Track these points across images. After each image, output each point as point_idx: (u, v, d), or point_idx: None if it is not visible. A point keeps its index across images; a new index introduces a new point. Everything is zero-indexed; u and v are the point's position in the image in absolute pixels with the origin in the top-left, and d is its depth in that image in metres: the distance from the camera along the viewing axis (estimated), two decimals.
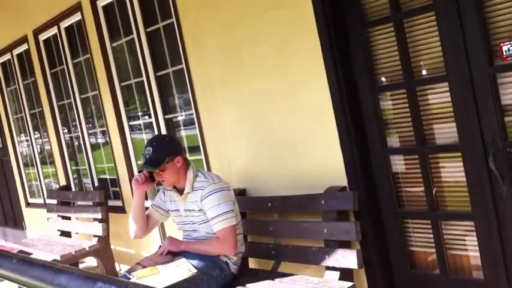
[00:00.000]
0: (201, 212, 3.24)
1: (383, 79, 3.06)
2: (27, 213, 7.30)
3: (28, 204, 7.25)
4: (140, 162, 4.79)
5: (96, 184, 5.66)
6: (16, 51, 6.58)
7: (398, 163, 3.05)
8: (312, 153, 3.28)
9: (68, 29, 5.52)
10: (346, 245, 2.99)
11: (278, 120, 3.46)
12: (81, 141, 5.73)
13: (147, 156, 3.20)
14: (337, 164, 3.11)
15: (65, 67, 5.64)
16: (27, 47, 6.24)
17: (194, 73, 4.00)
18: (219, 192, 3.19)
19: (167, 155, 3.18)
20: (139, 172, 3.36)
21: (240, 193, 3.69)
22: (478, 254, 2.73)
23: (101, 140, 5.56)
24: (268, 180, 3.60)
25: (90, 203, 5.29)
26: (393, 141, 3.06)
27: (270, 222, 3.47)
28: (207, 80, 3.91)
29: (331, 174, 3.17)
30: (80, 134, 5.73)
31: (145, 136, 4.84)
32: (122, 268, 5.42)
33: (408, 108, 2.90)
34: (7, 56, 6.83)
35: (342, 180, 3.10)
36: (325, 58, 3.07)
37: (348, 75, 3.07)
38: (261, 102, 3.55)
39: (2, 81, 7.14)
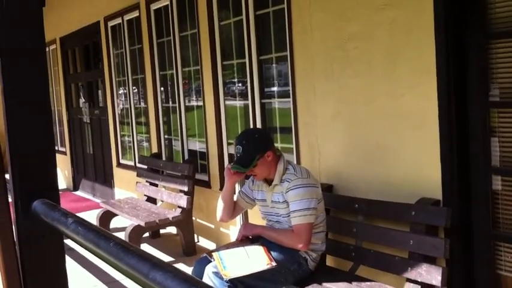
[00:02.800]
0: (286, 204, 3.25)
1: (497, 95, 2.90)
2: (117, 172, 7.64)
3: (119, 164, 7.57)
4: (231, 141, 4.86)
5: (186, 155, 5.81)
6: (127, 17, 6.82)
7: (499, 183, 2.90)
8: (408, 160, 3.18)
9: (180, 2, 5.64)
10: (431, 260, 2.89)
11: (377, 121, 3.38)
12: (177, 112, 5.89)
13: (238, 155, 3.25)
14: (433, 175, 3.00)
15: (172, 38, 5.79)
16: (138, 14, 6.44)
17: (297, 62, 3.97)
18: (305, 188, 3.18)
19: (257, 153, 3.20)
20: (232, 168, 3.36)
21: (327, 189, 3.66)
22: None
23: (196, 114, 5.68)
24: (358, 180, 3.53)
25: (179, 174, 5.44)
26: (497, 160, 2.90)
27: (354, 224, 3.41)
28: (309, 70, 3.87)
29: (425, 185, 3.06)
30: (177, 105, 5.88)
31: (240, 114, 4.89)
32: (200, 240, 5.57)
33: None
34: (117, 21, 7.09)
35: (436, 194, 2.99)
36: (438, 64, 2.95)
37: (460, 86, 2.93)
38: (362, 101, 3.48)
39: (110, 44, 7.43)
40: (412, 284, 2.93)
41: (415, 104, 3.12)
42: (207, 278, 3.03)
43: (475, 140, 2.93)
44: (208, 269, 3.08)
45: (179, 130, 5.90)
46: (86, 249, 1.95)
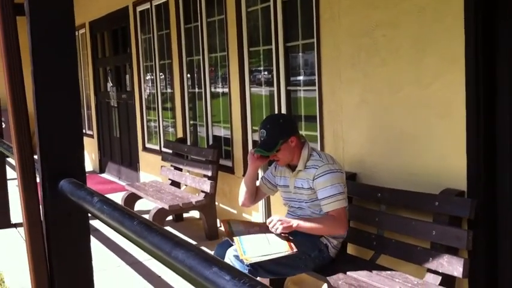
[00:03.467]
0: (310, 191, 3.25)
1: None
2: (143, 156, 7.72)
3: (145, 148, 7.65)
4: (256, 128, 4.86)
5: (211, 140, 5.84)
6: (155, 2, 6.85)
7: None
8: (433, 150, 3.15)
9: None
10: (453, 251, 2.87)
11: (402, 110, 3.35)
12: (203, 98, 5.91)
13: (262, 139, 3.26)
14: (459, 166, 2.96)
15: (199, 24, 5.80)
16: None
17: (324, 49, 3.95)
18: (334, 173, 3.18)
19: (280, 137, 3.20)
20: (255, 153, 3.37)
21: (350, 177, 3.64)
22: None
23: (221, 100, 5.69)
24: (381, 169, 3.51)
25: (203, 159, 5.47)
26: None
27: (376, 213, 3.40)
28: (335, 57, 3.84)
29: (449, 176, 3.02)
30: (202, 90, 5.91)
31: (265, 100, 4.89)
32: (222, 225, 5.60)
33: None
34: (146, 6, 7.13)
35: (461, 185, 2.95)
36: (467, 53, 2.90)
37: (489, 75, 2.88)
38: (388, 90, 3.44)
39: (138, 29, 7.48)
40: (432, 275, 2.91)
41: (442, 93, 3.08)
42: (228, 261, 3.05)
43: (503, 131, 2.88)
44: (230, 253, 3.10)
45: (204, 116, 5.93)
46: (110, 227, 1.98)
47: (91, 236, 2.50)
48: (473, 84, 2.88)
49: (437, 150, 3.13)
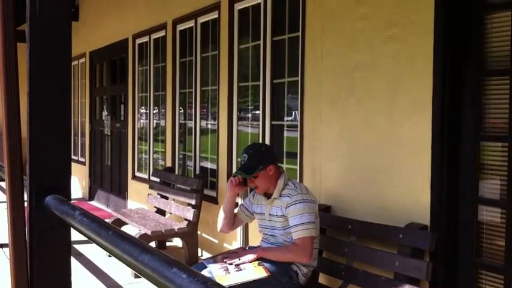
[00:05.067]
0: (283, 218, 3.40)
1: (488, 129, 3.04)
2: (131, 185, 7.86)
3: (134, 177, 7.80)
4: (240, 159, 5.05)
5: (198, 171, 6.01)
6: (154, 36, 7.13)
7: (485, 213, 3.02)
8: (401, 187, 3.33)
9: (204, 25, 5.92)
10: (415, 282, 3.01)
11: (376, 148, 3.54)
12: (193, 129, 6.12)
13: (243, 163, 3.44)
14: (424, 202, 3.14)
15: (194, 59, 6.05)
16: (164, 34, 6.74)
17: (307, 87, 4.17)
18: (306, 203, 3.34)
19: (261, 163, 3.39)
20: (234, 176, 3.58)
21: (325, 209, 3.81)
22: None
23: (210, 132, 5.90)
24: (354, 203, 3.68)
25: (188, 188, 5.63)
26: (484, 191, 3.03)
27: (346, 244, 3.55)
28: (317, 95, 4.06)
29: (415, 211, 3.20)
30: (193, 122, 6.11)
31: (251, 132, 5.09)
32: (203, 254, 5.71)
33: (507, 162, 2.87)
34: (145, 39, 7.41)
35: (425, 219, 3.12)
36: (434, 98, 3.11)
37: (454, 118, 3.09)
38: (363, 128, 3.64)
39: (136, 61, 7.74)
40: None
41: (412, 133, 3.28)
42: None
43: (465, 170, 3.07)
44: (204, 273, 3.23)
45: (193, 147, 6.12)
46: (88, 238, 2.14)
47: (74, 259, 2.64)
48: (439, 125, 3.08)
49: (406, 186, 3.31)
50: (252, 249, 3.46)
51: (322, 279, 3.74)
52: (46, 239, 2.63)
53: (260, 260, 3.33)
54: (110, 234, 1.97)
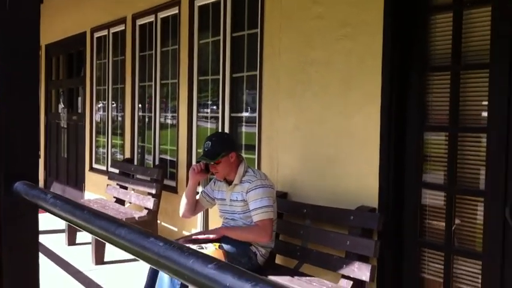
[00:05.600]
0: (243, 203, 3.63)
1: (431, 120, 3.36)
2: (89, 176, 7.93)
3: (91, 169, 7.87)
4: (200, 150, 5.25)
5: (157, 162, 6.17)
6: (113, 30, 7.23)
7: (427, 197, 3.34)
8: (352, 173, 3.61)
9: (164, 20, 6.08)
10: (364, 259, 3.30)
11: (329, 139, 3.81)
12: (152, 122, 6.27)
13: (206, 149, 3.64)
14: (372, 187, 3.43)
15: (153, 53, 6.20)
16: (124, 28, 6.86)
17: (265, 81, 4.41)
18: (264, 188, 3.58)
19: (223, 150, 3.60)
20: (197, 162, 3.79)
21: (282, 196, 4.06)
22: None
23: (169, 124, 6.07)
24: (309, 189, 3.95)
25: (148, 178, 5.79)
26: (427, 176, 3.35)
27: (301, 227, 3.81)
28: (275, 89, 4.31)
29: (365, 195, 3.48)
30: (152, 115, 6.27)
31: (210, 126, 5.30)
32: None
33: (447, 150, 3.19)
34: (103, 33, 7.49)
35: (373, 202, 3.42)
36: (382, 91, 3.40)
37: (400, 109, 3.39)
38: (318, 120, 3.91)
39: (94, 54, 7.80)
40: (346, 280, 3.33)
41: (362, 124, 3.57)
42: None
43: (410, 158, 3.38)
44: None
45: (152, 140, 6.27)
46: (63, 219, 2.30)
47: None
48: (386, 116, 3.37)
49: (356, 173, 3.59)
50: (216, 229, 3.68)
51: (278, 259, 3.99)
52: (16, 224, 2.77)
53: (221, 241, 3.55)
54: (85, 213, 2.16)
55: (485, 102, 3.01)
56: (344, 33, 3.70)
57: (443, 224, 3.21)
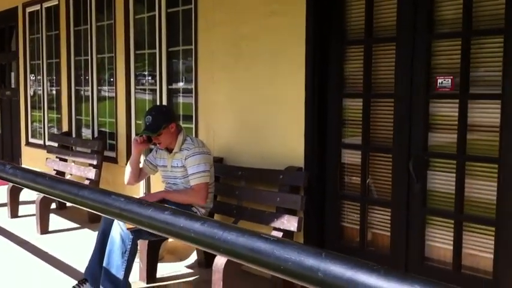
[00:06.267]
0: (183, 169, 3.96)
1: (349, 88, 3.79)
2: (26, 151, 7.99)
3: (28, 143, 7.93)
4: (140, 122, 5.52)
5: (96, 135, 6.36)
6: (46, 5, 7.25)
7: (346, 156, 3.80)
8: (281, 137, 4.02)
9: None
10: (292, 212, 3.73)
11: (261, 105, 4.19)
12: (90, 95, 6.44)
13: (147, 123, 3.90)
14: (299, 149, 3.85)
15: (89, 27, 6.34)
16: (57, 2, 6.91)
17: (200, 54, 4.72)
18: (201, 155, 3.91)
19: (164, 122, 3.88)
20: (140, 136, 4.05)
21: (219, 161, 4.42)
22: (389, 233, 3.49)
23: (107, 97, 6.26)
24: (243, 153, 4.33)
25: (89, 150, 5.99)
26: (346, 137, 3.80)
27: (237, 188, 4.20)
28: (209, 62, 4.63)
29: (292, 156, 3.90)
30: (89, 88, 6.43)
31: (148, 98, 5.56)
32: None
33: (362, 114, 3.64)
34: (36, 7, 7.49)
35: (300, 163, 3.84)
36: (306, 63, 3.80)
37: (322, 79, 3.81)
38: (250, 89, 4.28)
39: (27, 29, 7.80)
40: (276, 232, 3.75)
41: (289, 93, 3.96)
42: (117, 225, 3.66)
43: (331, 122, 3.81)
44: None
45: (90, 112, 6.45)
46: (25, 186, 2.51)
47: None
48: (311, 85, 3.78)
49: (285, 137, 4.00)
50: (156, 193, 3.99)
51: (217, 218, 4.37)
52: None
53: (164, 204, 3.88)
54: (47, 180, 2.40)
55: (393, 72, 3.47)
56: (272, 10, 4.06)
57: (359, 178, 3.68)
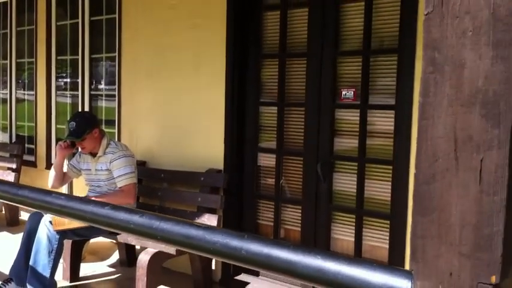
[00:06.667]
0: (108, 172, 4.14)
1: (265, 97, 4.15)
2: None
3: None
4: (61, 126, 5.60)
5: (14, 139, 6.35)
6: None
7: (262, 159, 4.16)
8: (202, 141, 4.31)
9: (19, 0, 6.24)
10: (213, 211, 4.03)
11: (183, 112, 4.46)
12: (8, 99, 6.42)
13: (71, 129, 4.05)
14: (219, 152, 4.16)
15: (9, 31, 6.33)
16: None
17: (124, 62, 4.92)
18: (126, 157, 4.12)
19: (87, 128, 4.05)
20: (64, 141, 4.19)
21: (142, 164, 4.64)
22: (300, 229, 3.88)
23: (26, 101, 6.28)
24: (165, 157, 4.57)
25: (7, 154, 5.98)
26: (262, 142, 4.16)
27: (159, 189, 4.44)
28: (133, 70, 4.84)
29: (213, 159, 4.20)
30: (8, 92, 6.41)
31: (70, 102, 5.67)
32: (22, 214, 6.14)
33: (276, 121, 4.01)
34: None
35: (220, 165, 4.15)
36: (227, 74, 4.12)
37: (241, 88, 4.14)
38: (173, 97, 4.54)
39: None
40: None
41: (210, 101, 4.26)
42: (43, 225, 3.79)
43: (249, 128, 4.15)
44: (45, 218, 3.84)
45: (8, 116, 6.43)
46: None
47: None
48: (230, 94, 4.11)
49: (205, 141, 4.29)
50: (85, 198, 4.15)
51: None
52: None
53: None
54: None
55: (304, 83, 3.86)
56: (194, 23, 4.35)
57: (273, 180, 4.04)
